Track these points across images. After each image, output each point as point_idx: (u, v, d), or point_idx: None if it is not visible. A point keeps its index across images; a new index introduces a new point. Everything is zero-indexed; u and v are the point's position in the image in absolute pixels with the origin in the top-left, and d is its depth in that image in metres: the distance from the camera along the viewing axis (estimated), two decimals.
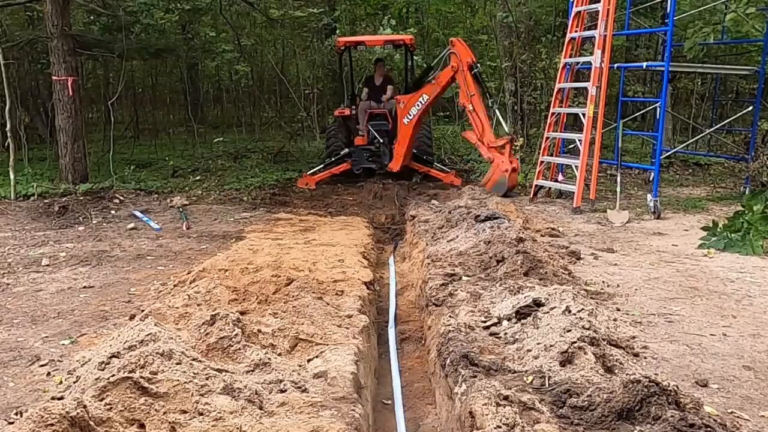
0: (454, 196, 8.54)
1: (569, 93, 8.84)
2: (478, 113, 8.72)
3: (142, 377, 2.59)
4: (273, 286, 4.29)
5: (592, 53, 7.84)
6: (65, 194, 8.55)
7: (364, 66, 14.73)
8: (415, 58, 12.09)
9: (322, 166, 10.44)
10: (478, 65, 9.02)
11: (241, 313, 3.60)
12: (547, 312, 3.58)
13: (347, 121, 10.72)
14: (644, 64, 9.37)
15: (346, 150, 10.34)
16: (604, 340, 3.23)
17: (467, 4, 14.08)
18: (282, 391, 2.79)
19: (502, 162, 8.50)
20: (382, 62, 11.73)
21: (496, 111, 9.05)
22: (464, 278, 4.59)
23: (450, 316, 3.76)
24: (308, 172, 10.37)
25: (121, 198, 8.60)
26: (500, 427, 2.32)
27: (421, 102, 9.40)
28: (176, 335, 3.15)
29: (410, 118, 9.49)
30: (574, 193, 7.84)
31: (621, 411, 2.46)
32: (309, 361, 3.21)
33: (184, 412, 2.53)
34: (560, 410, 2.54)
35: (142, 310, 4.08)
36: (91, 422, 2.28)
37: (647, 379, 2.53)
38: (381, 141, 10.12)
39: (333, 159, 10.38)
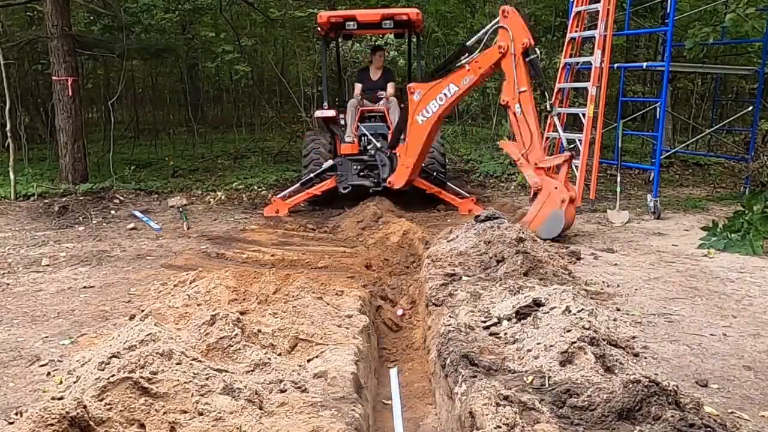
0: None
1: (569, 93, 8.84)
2: (526, 118, 6.33)
3: (142, 377, 2.59)
4: (273, 286, 4.29)
5: (592, 53, 7.83)
6: (65, 194, 8.56)
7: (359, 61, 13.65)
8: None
9: (298, 185, 8.27)
10: (537, 50, 6.60)
11: (241, 313, 3.60)
12: (547, 312, 3.58)
13: (332, 126, 8.53)
14: (644, 64, 9.37)
15: (330, 162, 8.09)
16: (604, 340, 3.23)
17: (467, 4, 14.08)
18: (282, 391, 2.79)
19: (556, 189, 6.10)
20: (383, 51, 9.18)
21: (555, 118, 6.94)
22: (464, 278, 4.59)
23: (450, 316, 3.76)
24: (278, 195, 8.19)
25: (121, 198, 8.60)
26: (500, 427, 2.32)
27: (446, 94, 6.79)
28: (176, 335, 3.15)
29: (427, 115, 6.94)
30: None
31: (621, 411, 2.46)
32: (309, 361, 3.21)
33: (184, 412, 2.53)
34: (560, 410, 2.54)
35: (142, 310, 4.07)
36: (91, 422, 2.28)
37: (647, 379, 2.53)
38: (378, 147, 7.88)
39: (312, 176, 8.08)
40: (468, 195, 8.13)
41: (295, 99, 13.86)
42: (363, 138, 8.10)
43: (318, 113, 8.60)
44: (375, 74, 8.74)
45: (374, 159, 7.88)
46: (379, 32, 10.12)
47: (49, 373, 3.52)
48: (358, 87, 8.79)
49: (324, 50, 8.84)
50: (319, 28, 8.29)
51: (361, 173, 7.95)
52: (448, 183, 8.35)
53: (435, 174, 8.16)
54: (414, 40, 9.05)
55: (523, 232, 5.31)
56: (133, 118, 15.62)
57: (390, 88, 8.64)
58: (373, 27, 8.26)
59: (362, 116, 8.35)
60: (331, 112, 8.28)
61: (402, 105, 8.60)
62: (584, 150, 7.73)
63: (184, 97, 16.82)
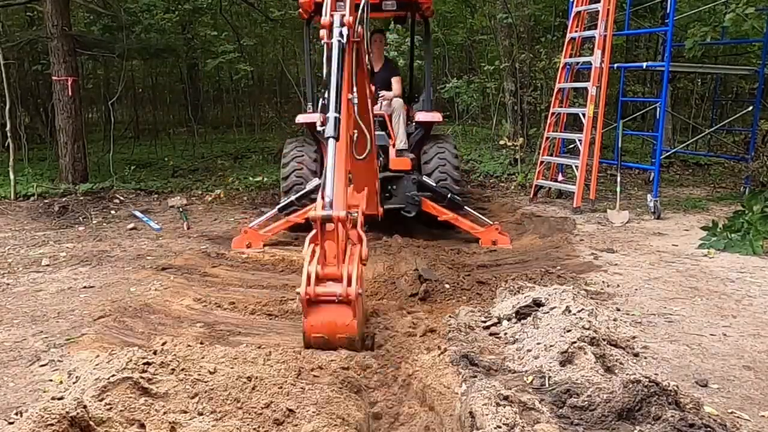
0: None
1: (569, 93, 8.84)
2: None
3: (142, 377, 2.59)
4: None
5: (592, 53, 7.84)
6: (65, 194, 8.55)
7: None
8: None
9: (275, 210, 6.56)
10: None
11: None
12: (547, 312, 3.58)
13: (318, 134, 6.12)
14: (644, 64, 9.37)
15: (316, 181, 6.28)
16: (604, 340, 3.23)
17: (467, 4, 14.08)
18: None
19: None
20: (383, 36, 7.36)
21: None
22: None
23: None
24: (252, 223, 6.51)
25: (121, 198, 8.60)
26: (500, 427, 2.32)
27: None
28: None
29: None
30: (574, 193, 7.84)
31: (621, 411, 2.46)
32: None
33: (184, 412, 2.53)
34: (560, 410, 2.54)
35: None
36: (91, 422, 2.29)
37: (647, 379, 2.53)
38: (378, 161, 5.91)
39: (294, 198, 6.37)
40: (490, 222, 6.51)
41: (300, 96, 13.83)
42: None
43: (300, 118, 6.98)
44: (375, 65, 6.76)
45: None
46: (377, 15, 7.76)
47: (49, 373, 3.52)
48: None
49: (307, 38, 7.07)
50: (301, 11, 6.72)
51: None
52: (466, 207, 6.74)
53: (449, 195, 6.45)
54: (419, 27, 7.50)
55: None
56: (133, 118, 15.61)
57: (394, 84, 6.96)
58: (370, 9, 6.64)
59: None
60: (317, 117, 5.90)
61: (411, 104, 7.24)
62: (584, 150, 7.75)
63: (184, 97, 16.81)
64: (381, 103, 6.82)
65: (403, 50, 11.10)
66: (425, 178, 6.55)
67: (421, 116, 6.78)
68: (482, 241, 6.30)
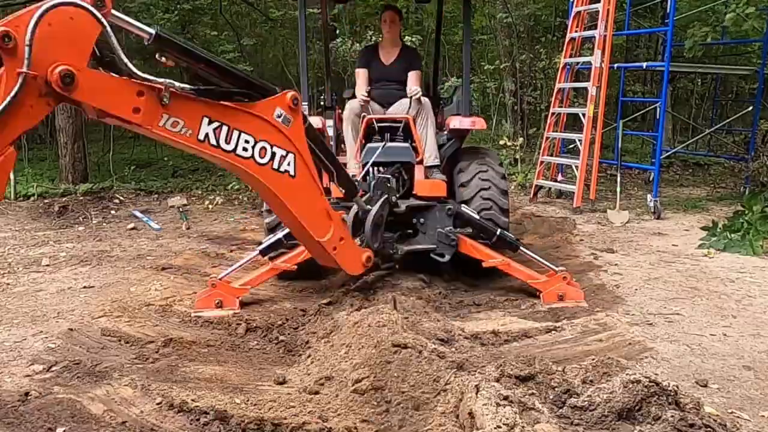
0: None
1: (569, 93, 8.84)
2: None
3: None
4: None
5: (592, 53, 7.84)
6: (65, 194, 8.54)
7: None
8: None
9: (255, 253, 4.66)
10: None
11: None
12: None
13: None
14: (644, 64, 9.38)
15: None
16: None
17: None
18: None
19: None
20: (398, 15, 5.53)
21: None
22: None
23: None
24: (223, 273, 4.57)
25: (121, 198, 8.59)
26: (500, 427, 2.32)
27: None
28: None
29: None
30: (574, 193, 7.85)
31: (621, 411, 2.46)
32: None
33: None
34: (560, 410, 2.54)
35: None
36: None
37: (647, 379, 2.53)
38: (391, 185, 4.37)
39: (281, 236, 4.48)
40: (555, 268, 4.56)
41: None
42: (369, 172, 4.62)
43: None
44: (388, 55, 5.36)
45: (386, 209, 4.25)
46: None
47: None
48: (362, 74, 5.36)
49: (302, 19, 5.05)
50: None
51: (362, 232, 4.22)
52: (522, 247, 4.77)
53: (499, 232, 4.60)
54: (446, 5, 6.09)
55: None
56: None
57: (412, 79, 5.24)
58: None
59: (369, 129, 4.95)
60: (316, 122, 4.64)
61: (438, 107, 5.54)
62: (584, 150, 7.75)
63: None
64: (411, 100, 4.99)
65: (419, 28, 10.09)
66: (464, 208, 4.69)
67: (456, 122, 4.91)
68: (545, 296, 4.43)
